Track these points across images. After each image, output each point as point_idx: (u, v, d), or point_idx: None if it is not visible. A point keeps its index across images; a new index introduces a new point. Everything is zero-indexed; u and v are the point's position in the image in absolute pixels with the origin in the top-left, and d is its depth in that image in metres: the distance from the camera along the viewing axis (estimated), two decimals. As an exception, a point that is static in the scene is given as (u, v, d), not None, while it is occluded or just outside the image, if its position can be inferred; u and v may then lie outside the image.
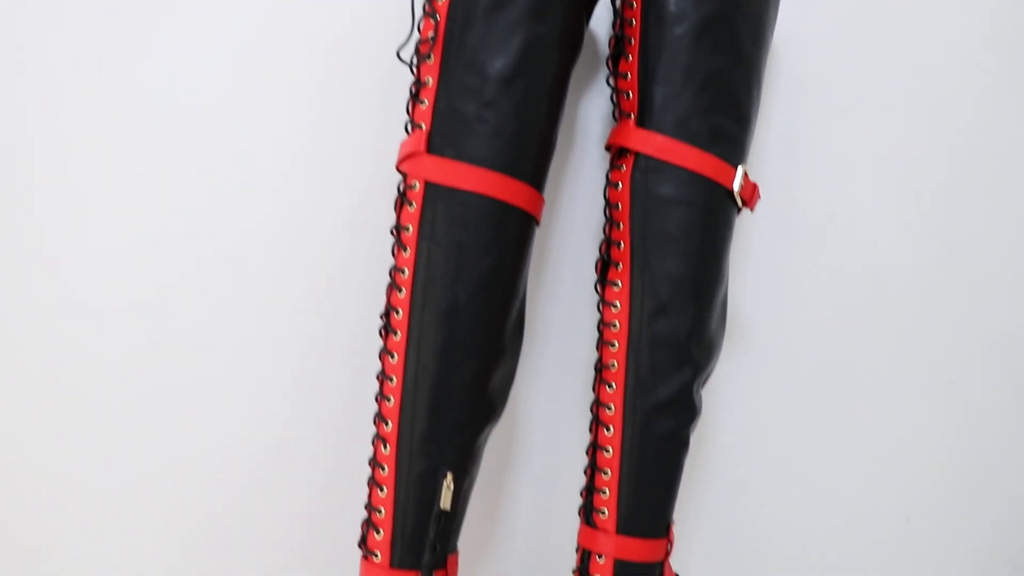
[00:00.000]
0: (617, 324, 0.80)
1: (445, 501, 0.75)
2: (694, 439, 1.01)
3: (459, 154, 0.75)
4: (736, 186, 0.80)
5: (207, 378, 0.88)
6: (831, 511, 1.08)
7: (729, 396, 1.01)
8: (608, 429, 0.80)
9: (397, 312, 0.76)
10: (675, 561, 0.99)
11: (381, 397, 0.77)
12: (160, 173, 0.87)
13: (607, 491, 0.80)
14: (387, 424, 0.77)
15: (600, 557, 0.80)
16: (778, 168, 0.99)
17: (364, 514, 0.80)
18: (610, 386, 0.80)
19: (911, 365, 1.07)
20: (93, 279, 0.87)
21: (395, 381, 0.77)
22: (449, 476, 0.75)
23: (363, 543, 0.77)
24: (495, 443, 0.93)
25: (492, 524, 0.96)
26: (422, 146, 0.75)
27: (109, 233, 0.87)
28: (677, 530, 1.01)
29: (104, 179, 0.86)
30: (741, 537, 1.05)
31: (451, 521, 0.77)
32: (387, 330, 0.77)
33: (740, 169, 0.80)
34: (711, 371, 0.84)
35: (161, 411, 0.88)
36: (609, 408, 0.80)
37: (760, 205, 0.98)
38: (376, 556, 0.77)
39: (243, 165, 0.88)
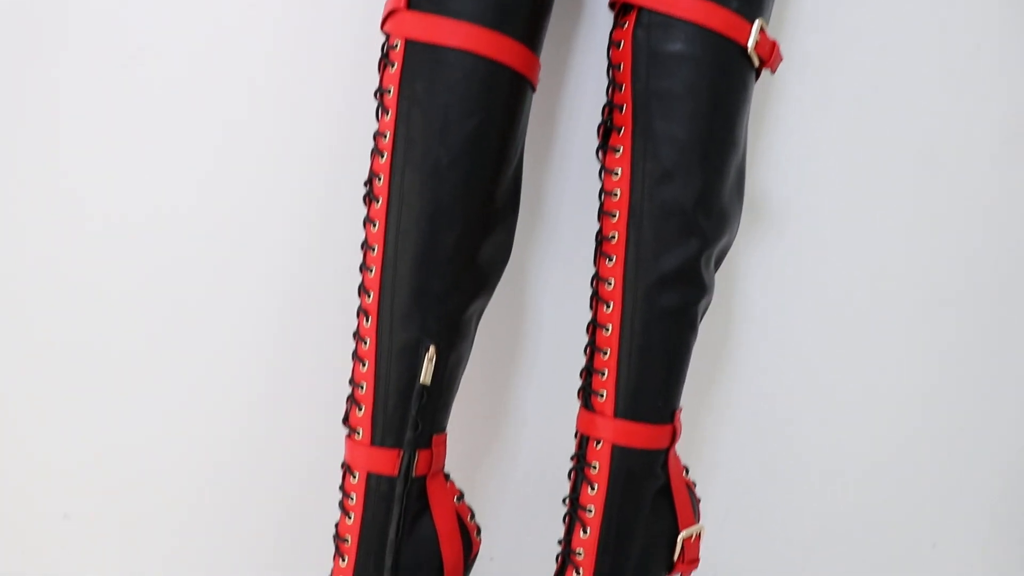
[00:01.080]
0: (618, 192, 0.74)
1: (426, 375, 0.71)
2: (716, 342, 0.95)
3: (441, 8, 0.70)
4: (751, 43, 0.73)
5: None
6: (859, 426, 1.03)
7: (752, 282, 0.94)
8: (607, 305, 0.74)
9: (379, 178, 0.72)
10: (698, 473, 0.94)
11: (363, 268, 0.73)
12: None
13: (606, 372, 0.74)
14: (368, 295, 0.73)
15: (597, 443, 0.75)
16: (814, 32, 0.90)
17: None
18: (610, 259, 0.74)
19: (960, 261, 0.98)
20: (78, 267, 0.85)
21: (376, 251, 0.72)
22: (432, 349, 0.71)
23: (346, 420, 0.74)
24: (496, 327, 0.88)
25: (495, 415, 0.93)
26: (402, 2, 0.70)
27: (92, 214, 0.85)
28: (698, 439, 0.96)
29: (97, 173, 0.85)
30: (766, 451, 0.99)
31: (436, 398, 0.73)
32: (369, 198, 0.73)
33: (756, 24, 0.73)
34: (725, 247, 0.77)
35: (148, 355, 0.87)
36: (608, 283, 0.74)
37: (789, 70, 0.89)
38: (358, 433, 0.73)
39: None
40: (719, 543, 1.00)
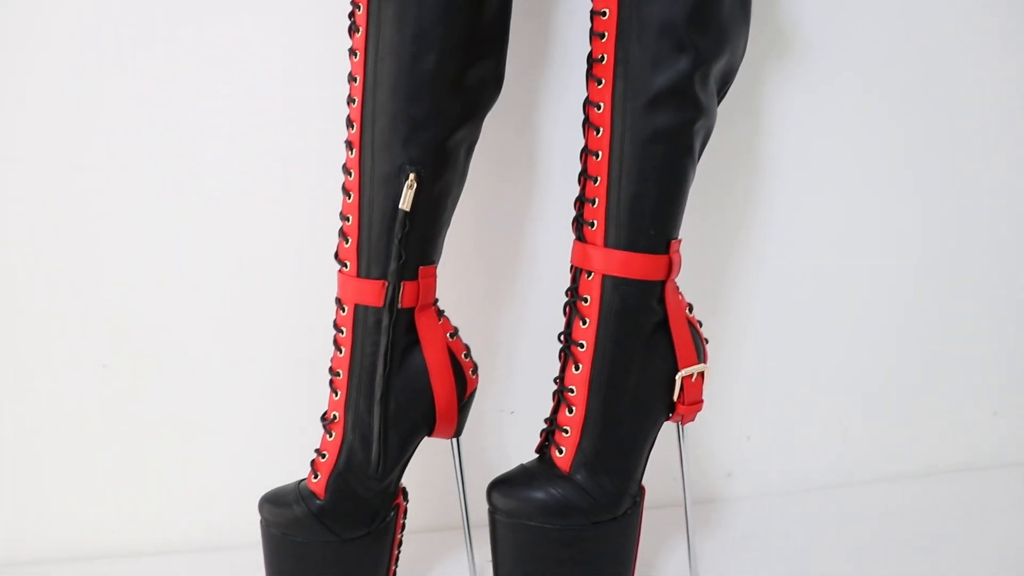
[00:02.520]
0: (607, 12, 0.69)
1: (405, 202, 0.70)
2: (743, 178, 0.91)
3: None
4: None
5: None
6: (913, 280, 0.97)
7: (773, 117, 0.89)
8: (597, 131, 0.71)
9: (358, 7, 0.70)
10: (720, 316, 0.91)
11: (348, 100, 0.72)
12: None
13: (596, 200, 0.71)
14: (352, 127, 0.72)
15: (589, 275, 0.72)
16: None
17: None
18: (599, 81, 0.70)
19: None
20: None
21: (358, 81, 0.71)
22: (412, 176, 0.70)
23: (336, 254, 0.73)
24: (491, 160, 0.86)
25: (492, 252, 0.92)
26: None
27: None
28: (718, 278, 0.94)
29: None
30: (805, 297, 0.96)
31: (422, 228, 0.71)
32: (351, 29, 0.71)
33: None
34: (728, 68, 0.72)
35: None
36: (598, 107, 0.71)
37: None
38: (346, 266, 0.73)
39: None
40: (749, 403, 0.97)
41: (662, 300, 0.73)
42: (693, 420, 0.76)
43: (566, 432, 0.73)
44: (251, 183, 0.89)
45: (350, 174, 0.72)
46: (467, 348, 0.77)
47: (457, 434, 0.78)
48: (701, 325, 0.77)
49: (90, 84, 0.86)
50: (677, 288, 0.75)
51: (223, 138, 0.88)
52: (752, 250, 0.96)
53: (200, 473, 0.92)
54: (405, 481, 0.78)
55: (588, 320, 0.72)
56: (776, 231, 0.96)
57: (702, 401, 0.76)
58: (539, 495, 0.72)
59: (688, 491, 0.79)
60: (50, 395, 0.90)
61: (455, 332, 0.77)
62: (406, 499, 0.78)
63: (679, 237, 0.73)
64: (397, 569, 0.80)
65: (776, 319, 0.97)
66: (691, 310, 0.76)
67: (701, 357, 0.76)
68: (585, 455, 0.73)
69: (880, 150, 0.96)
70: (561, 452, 0.73)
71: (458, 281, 0.88)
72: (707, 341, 0.78)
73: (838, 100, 0.94)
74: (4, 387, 0.89)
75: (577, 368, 0.73)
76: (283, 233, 0.90)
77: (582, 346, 0.72)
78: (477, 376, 0.78)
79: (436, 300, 0.76)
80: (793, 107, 0.93)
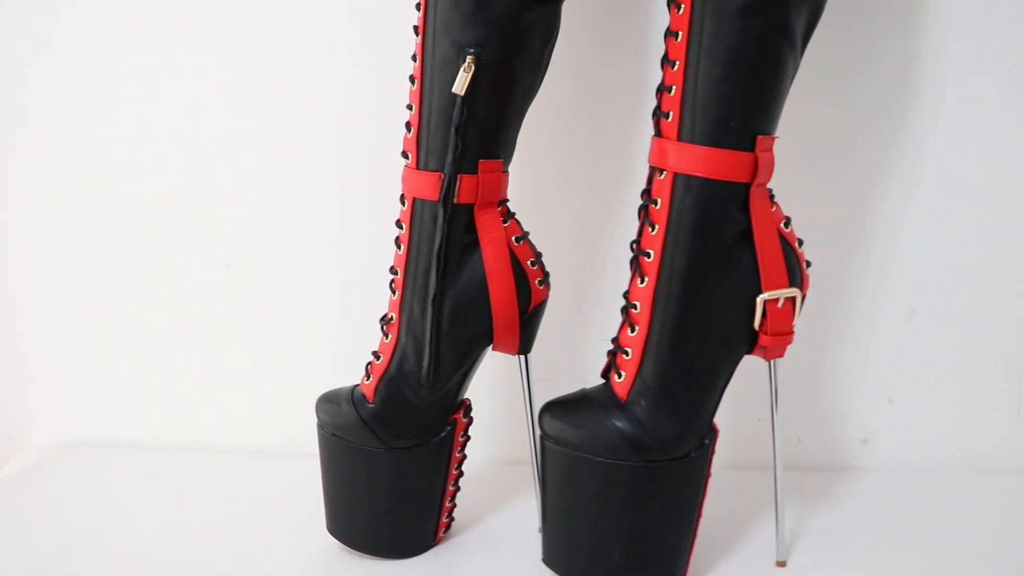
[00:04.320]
0: None
1: (460, 85, 0.64)
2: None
3: None
4: None
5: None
6: None
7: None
8: (679, 7, 0.61)
9: None
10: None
11: None
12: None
13: (674, 87, 0.61)
14: (419, 8, 0.67)
15: (661, 173, 0.63)
16: None
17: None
18: (683, -50, 0.61)
19: None
20: None
21: None
22: (469, 59, 0.64)
23: (403, 151, 0.70)
24: (566, 55, 0.78)
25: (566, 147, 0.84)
26: None
27: None
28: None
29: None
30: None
31: (483, 117, 0.66)
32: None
33: None
34: None
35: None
36: (682, -21, 0.61)
37: None
38: (407, 158, 0.69)
39: None
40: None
41: (746, 207, 0.62)
42: (781, 355, 0.65)
43: (627, 354, 0.65)
44: (319, 76, 0.86)
45: (414, 59, 0.68)
46: (537, 255, 0.71)
47: (524, 350, 0.72)
48: (801, 244, 0.65)
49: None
50: (770, 195, 0.64)
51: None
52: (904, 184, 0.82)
53: (281, 377, 0.92)
54: (478, 401, 0.73)
55: (657, 226, 0.63)
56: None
57: (791, 333, 0.64)
58: (588, 423, 0.64)
59: (778, 444, 0.68)
60: (133, 293, 0.93)
61: (524, 236, 0.70)
62: (468, 415, 0.73)
63: (774, 134, 0.62)
64: (457, 492, 0.75)
65: (931, 253, 0.83)
66: (788, 224, 0.65)
67: (795, 280, 0.64)
68: (645, 382, 0.64)
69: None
70: (620, 377, 0.65)
71: (558, 194, 0.82)
72: (809, 264, 0.66)
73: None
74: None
75: (643, 281, 0.64)
76: (353, 129, 0.87)
77: (649, 256, 0.63)
78: (547, 287, 0.71)
79: (506, 200, 0.71)
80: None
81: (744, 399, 0.80)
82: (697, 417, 0.64)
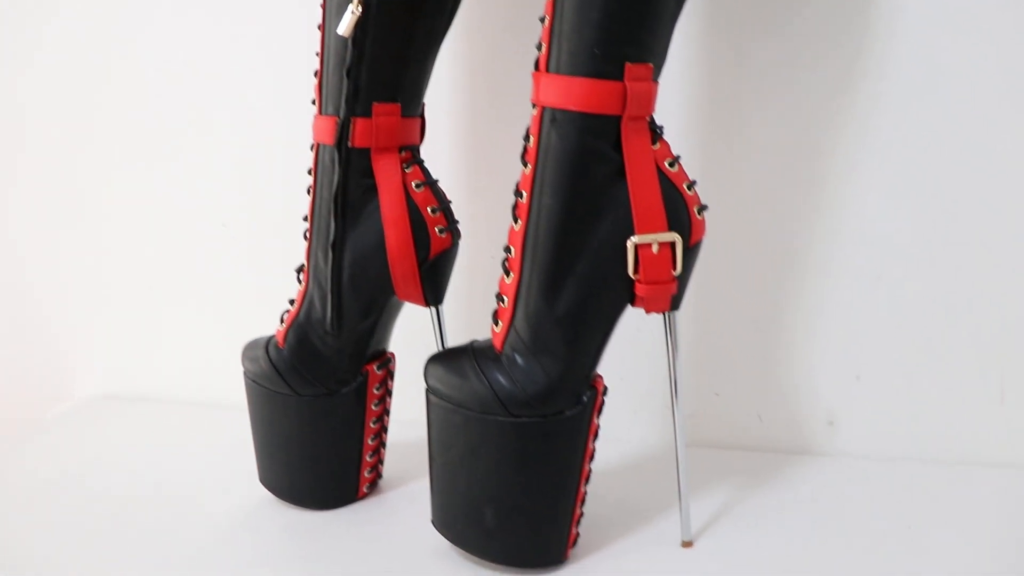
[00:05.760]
0: None
1: (344, 26, 0.62)
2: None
3: None
4: None
5: None
6: None
7: None
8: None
9: None
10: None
11: None
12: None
13: (547, 17, 0.57)
14: None
15: (534, 107, 0.58)
16: None
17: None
18: None
19: None
20: None
21: None
22: (356, 0, 0.63)
23: (312, 99, 0.69)
24: None
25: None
26: None
27: None
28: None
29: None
30: None
31: (377, 58, 0.64)
32: None
33: None
34: None
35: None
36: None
37: None
38: (315, 104, 0.68)
39: None
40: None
41: (619, 145, 0.57)
42: (665, 308, 0.59)
43: (503, 302, 0.61)
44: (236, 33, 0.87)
45: (321, 10, 0.68)
46: (442, 203, 0.68)
47: (433, 302, 0.69)
48: (692, 186, 0.58)
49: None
50: (655, 130, 0.58)
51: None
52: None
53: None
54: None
55: (529, 165, 0.59)
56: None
57: (671, 282, 0.58)
58: (461, 375, 0.61)
59: (678, 418, 0.62)
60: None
61: (427, 183, 0.68)
62: (385, 368, 0.72)
63: (649, 63, 0.56)
64: (381, 448, 0.74)
65: (898, 213, 0.72)
66: (676, 163, 0.58)
67: (678, 225, 0.58)
68: (518, 333, 0.60)
69: None
70: (497, 326, 0.61)
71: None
72: (704, 208, 0.59)
73: None
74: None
75: (516, 223, 0.60)
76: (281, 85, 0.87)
77: (522, 196, 0.59)
78: (451, 235, 0.68)
79: (413, 147, 0.69)
80: None
81: (700, 370, 0.74)
82: (572, 372, 0.59)
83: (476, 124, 0.82)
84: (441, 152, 0.77)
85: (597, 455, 0.62)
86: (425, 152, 0.71)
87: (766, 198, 0.67)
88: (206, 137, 0.92)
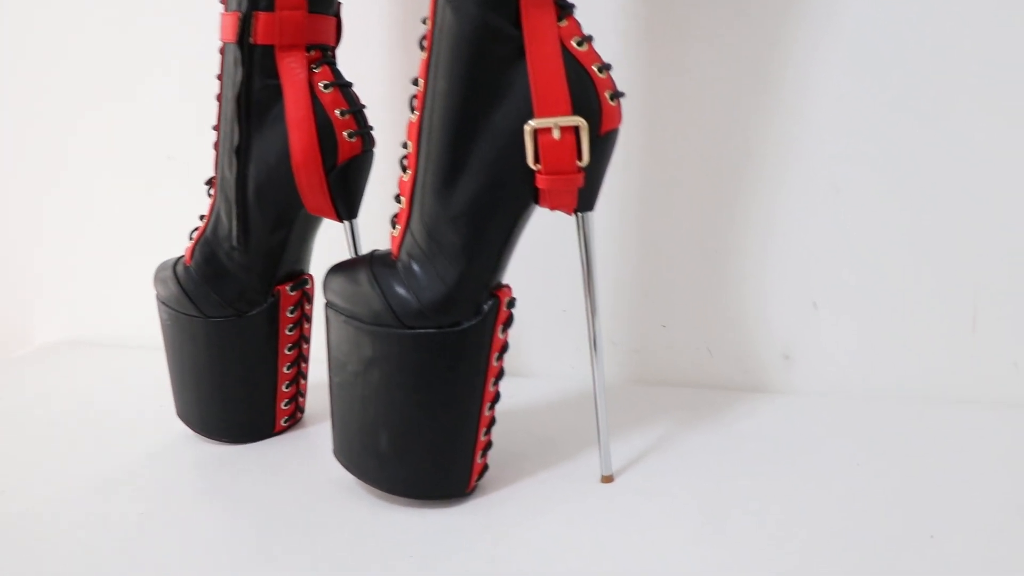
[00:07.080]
0: None
1: None
2: None
3: None
4: None
5: None
6: None
7: None
8: None
9: None
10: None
11: None
12: None
13: None
14: None
15: (432, -15, 0.53)
16: None
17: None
18: None
19: None
20: None
21: None
22: None
23: (224, -9, 0.64)
24: None
25: None
26: None
27: None
28: None
29: None
30: None
31: None
32: None
33: None
34: None
35: None
36: None
37: None
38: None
39: None
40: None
41: (519, 22, 0.51)
42: (571, 205, 0.52)
43: (400, 202, 0.56)
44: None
45: None
46: (351, 105, 0.62)
47: (347, 215, 0.64)
48: (605, 69, 0.52)
49: None
50: (558, 5, 0.52)
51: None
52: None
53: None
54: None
55: (425, 49, 0.53)
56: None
57: (575, 173, 0.51)
58: (356, 284, 0.55)
59: (599, 345, 0.55)
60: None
61: (337, 84, 0.62)
62: (299, 289, 0.67)
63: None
64: (299, 378, 0.69)
65: (863, 120, 0.64)
66: (585, 43, 0.52)
67: (584, 109, 0.51)
68: (414, 236, 0.54)
69: None
70: (395, 230, 0.56)
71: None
72: (619, 95, 0.52)
73: None
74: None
75: (413, 114, 0.54)
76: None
77: (418, 84, 0.54)
78: (362, 141, 0.62)
79: (323, 47, 0.63)
80: None
81: (645, 300, 0.67)
82: (470, 278, 0.53)
83: (403, 25, 0.77)
84: (360, 59, 0.71)
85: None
86: (343, 57, 0.66)
87: (712, 104, 0.60)
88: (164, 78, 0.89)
